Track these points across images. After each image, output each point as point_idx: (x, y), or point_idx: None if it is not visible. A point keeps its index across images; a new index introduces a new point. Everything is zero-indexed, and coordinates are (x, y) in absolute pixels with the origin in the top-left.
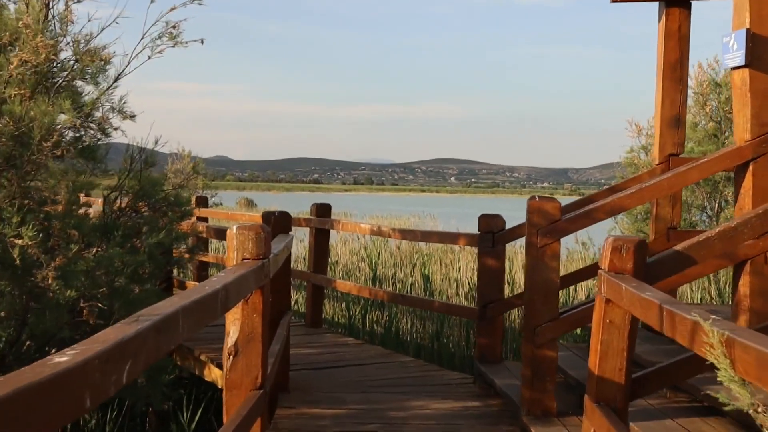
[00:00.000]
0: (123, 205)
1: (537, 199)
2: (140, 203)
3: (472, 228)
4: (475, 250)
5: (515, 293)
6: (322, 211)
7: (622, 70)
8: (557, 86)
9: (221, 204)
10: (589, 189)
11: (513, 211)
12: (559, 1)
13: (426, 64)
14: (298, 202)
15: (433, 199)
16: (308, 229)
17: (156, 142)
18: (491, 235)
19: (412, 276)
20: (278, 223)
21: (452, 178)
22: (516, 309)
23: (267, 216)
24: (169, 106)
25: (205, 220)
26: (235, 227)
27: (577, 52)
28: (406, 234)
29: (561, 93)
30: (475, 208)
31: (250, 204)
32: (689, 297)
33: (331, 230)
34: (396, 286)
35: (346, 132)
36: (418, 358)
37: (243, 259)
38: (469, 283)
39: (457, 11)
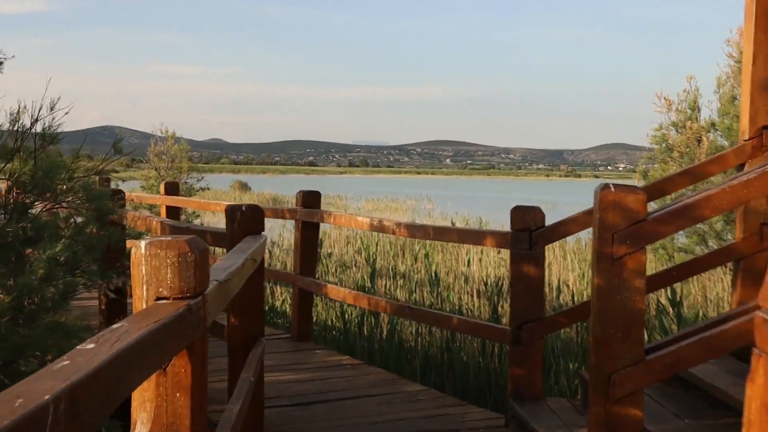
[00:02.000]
0: (14, 200)
1: (613, 189)
2: (35, 198)
3: (470, 209)
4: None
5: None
6: (310, 200)
7: (620, 53)
8: (553, 67)
9: (208, 188)
10: (584, 170)
11: (511, 192)
12: None
13: (424, 45)
14: (292, 185)
15: (428, 181)
16: (294, 221)
17: (52, 108)
18: (528, 234)
19: (415, 270)
20: (246, 221)
21: (448, 160)
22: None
23: (232, 211)
24: (164, 88)
25: (176, 210)
26: (143, 244)
27: (577, 34)
28: (416, 230)
29: (557, 74)
30: (472, 190)
31: (243, 187)
32: None
33: (322, 223)
34: (398, 282)
35: (341, 114)
36: (428, 384)
37: (157, 299)
38: (484, 280)
39: None
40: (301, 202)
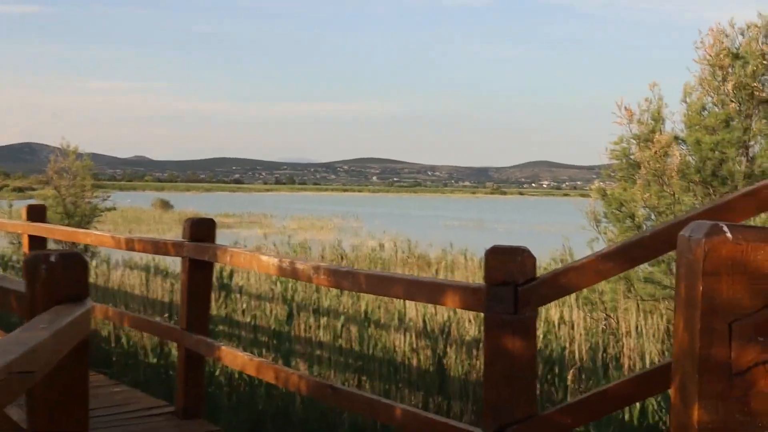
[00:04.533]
0: None
1: (729, 234)
2: None
3: (399, 227)
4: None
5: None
6: (201, 231)
7: (543, 71)
8: (477, 85)
9: (114, 208)
10: (509, 187)
11: (438, 209)
12: (483, 0)
13: (350, 62)
14: (217, 203)
15: (355, 199)
16: (180, 259)
17: None
18: (512, 290)
19: (341, 306)
20: (55, 280)
21: (374, 178)
22: None
23: (33, 264)
24: (89, 104)
25: (42, 240)
26: None
27: (502, 51)
28: (341, 278)
29: (480, 91)
30: (400, 208)
31: (165, 205)
32: None
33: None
34: (321, 320)
35: (267, 131)
36: None
37: None
38: (423, 319)
39: (389, 11)
40: (189, 233)
